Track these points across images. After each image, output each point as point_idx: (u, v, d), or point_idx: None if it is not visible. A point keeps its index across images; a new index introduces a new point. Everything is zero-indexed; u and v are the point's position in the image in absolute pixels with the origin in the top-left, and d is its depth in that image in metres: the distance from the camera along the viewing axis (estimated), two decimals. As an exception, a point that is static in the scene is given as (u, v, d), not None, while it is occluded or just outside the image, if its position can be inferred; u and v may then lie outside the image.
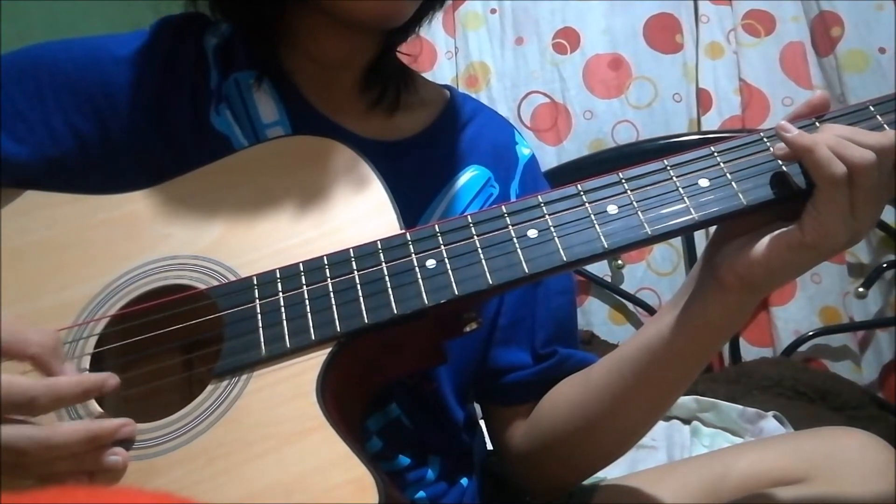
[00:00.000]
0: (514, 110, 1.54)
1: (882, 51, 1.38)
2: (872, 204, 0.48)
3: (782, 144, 0.50)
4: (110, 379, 0.47)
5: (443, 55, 1.58)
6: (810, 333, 1.37)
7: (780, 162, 0.51)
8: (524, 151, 0.75)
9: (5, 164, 0.59)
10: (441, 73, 1.57)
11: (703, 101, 1.47)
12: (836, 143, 0.48)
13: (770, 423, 1.06)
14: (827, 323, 1.38)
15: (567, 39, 1.54)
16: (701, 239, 1.45)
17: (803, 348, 1.38)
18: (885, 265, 1.36)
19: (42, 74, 0.61)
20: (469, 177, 0.69)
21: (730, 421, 1.10)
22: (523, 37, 1.55)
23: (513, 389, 0.69)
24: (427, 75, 0.74)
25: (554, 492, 0.71)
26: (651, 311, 1.45)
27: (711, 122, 1.46)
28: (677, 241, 1.48)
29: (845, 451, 0.64)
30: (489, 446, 0.76)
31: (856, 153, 0.47)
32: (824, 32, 1.42)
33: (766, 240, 0.50)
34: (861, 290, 1.36)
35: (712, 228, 0.56)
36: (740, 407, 1.10)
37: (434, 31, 1.56)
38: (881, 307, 1.40)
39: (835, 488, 0.61)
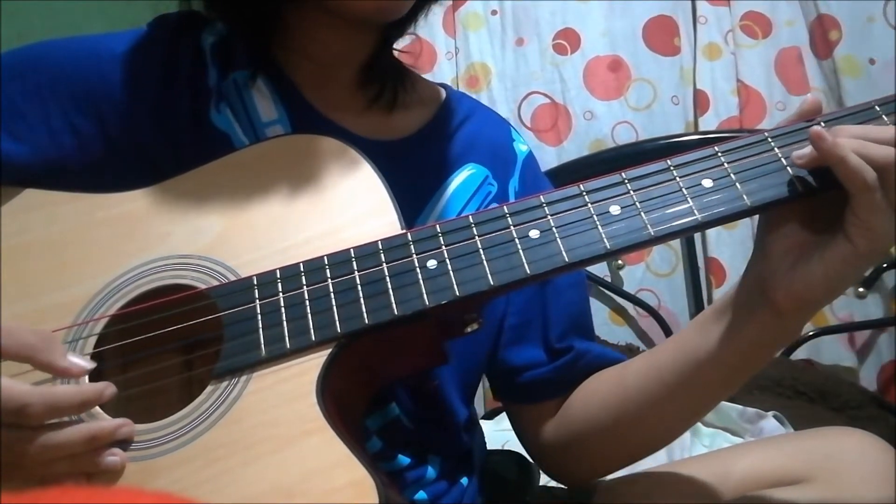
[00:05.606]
0: (515, 111, 1.54)
1: (872, 62, 1.39)
2: None
3: (804, 151, 0.50)
4: (107, 389, 0.47)
5: (443, 56, 1.58)
6: (810, 333, 1.37)
7: (784, 162, 0.51)
8: (521, 148, 0.75)
9: (5, 163, 0.59)
10: (441, 73, 1.56)
11: (701, 101, 1.47)
12: (858, 146, 0.47)
13: (770, 423, 1.06)
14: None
15: (567, 40, 1.54)
16: (701, 240, 1.45)
17: (803, 348, 1.38)
18: (885, 265, 1.36)
19: (41, 73, 0.61)
20: (466, 175, 0.68)
21: (730, 421, 1.10)
22: (524, 38, 1.55)
23: (532, 387, 0.69)
24: (427, 76, 0.73)
25: (584, 482, 0.73)
26: (651, 311, 1.45)
27: (709, 122, 1.46)
28: (676, 243, 1.48)
29: (845, 451, 0.64)
30: (489, 446, 0.76)
31: (880, 152, 0.47)
32: (823, 35, 1.42)
33: (817, 259, 0.50)
34: (861, 290, 1.36)
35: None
36: (740, 407, 1.10)
37: (434, 31, 1.57)
38: (881, 307, 1.40)
39: (835, 488, 0.61)
